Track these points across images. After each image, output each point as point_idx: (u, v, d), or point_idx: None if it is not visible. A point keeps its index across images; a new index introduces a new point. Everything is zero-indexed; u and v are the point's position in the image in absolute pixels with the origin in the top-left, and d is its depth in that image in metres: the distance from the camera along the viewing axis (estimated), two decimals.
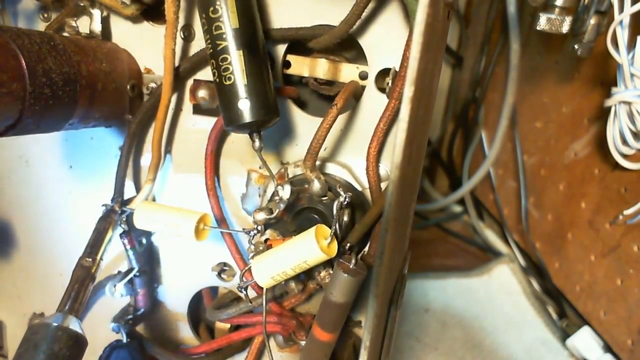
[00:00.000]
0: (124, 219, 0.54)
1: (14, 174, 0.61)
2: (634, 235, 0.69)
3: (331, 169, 0.51)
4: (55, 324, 0.44)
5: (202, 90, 0.49)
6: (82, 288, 0.49)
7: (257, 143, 0.45)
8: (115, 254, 0.59)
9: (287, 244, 0.43)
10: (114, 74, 0.50)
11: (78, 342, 0.45)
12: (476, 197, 1.15)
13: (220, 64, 0.42)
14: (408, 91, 0.32)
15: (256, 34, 0.43)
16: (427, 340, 0.82)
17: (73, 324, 0.45)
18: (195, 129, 0.54)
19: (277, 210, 0.46)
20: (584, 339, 0.77)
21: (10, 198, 0.62)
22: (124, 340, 0.55)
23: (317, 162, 0.48)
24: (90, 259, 0.50)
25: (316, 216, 0.48)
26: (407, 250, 0.55)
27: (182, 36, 0.51)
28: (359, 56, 0.50)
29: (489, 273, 0.98)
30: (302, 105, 0.54)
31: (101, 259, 0.52)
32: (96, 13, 0.52)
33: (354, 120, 0.50)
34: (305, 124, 0.51)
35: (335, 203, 0.43)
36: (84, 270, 0.50)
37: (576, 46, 0.64)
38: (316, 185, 0.45)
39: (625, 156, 0.64)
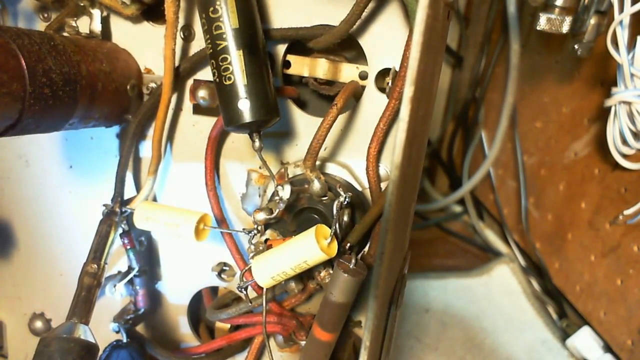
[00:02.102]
0: (124, 219, 0.54)
1: (14, 174, 0.61)
2: (634, 235, 0.69)
3: (331, 169, 0.51)
4: (66, 336, 0.44)
5: (202, 90, 0.49)
6: (89, 295, 0.49)
7: (257, 143, 0.45)
8: (115, 253, 0.59)
9: (287, 244, 0.43)
10: (114, 74, 0.50)
11: (90, 352, 0.45)
12: (476, 197, 1.15)
13: (220, 64, 0.42)
14: (408, 91, 0.32)
15: (256, 34, 0.43)
16: (427, 340, 0.82)
17: (84, 333, 0.46)
18: (195, 128, 0.54)
19: (277, 210, 0.46)
20: (584, 339, 0.77)
21: (10, 198, 0.62)
22: (124, 340, 0.55)
23: (317, 162, 0.48)
24: (96, 265, 0.50)
25: (316, 216, 0.48)
26: (407, 250, 0.55)
27: (182, 36, 0.51)
28: (359, 56, 0.50)
29: (489, 273, 0.98)
30: (302, 105, 0.54)
31: (105, 263, 0.52)
32: (96, 13, 0.52)
33: (354, 120, 0.50)
34: (305, 124, 0.51)
35: (335, 203, 0.43)
36: (91, 276, 0.50)
37: (576, 46, 0.64)
38: (316, 185, 0.45)
39: (625, 156, 0.64)
